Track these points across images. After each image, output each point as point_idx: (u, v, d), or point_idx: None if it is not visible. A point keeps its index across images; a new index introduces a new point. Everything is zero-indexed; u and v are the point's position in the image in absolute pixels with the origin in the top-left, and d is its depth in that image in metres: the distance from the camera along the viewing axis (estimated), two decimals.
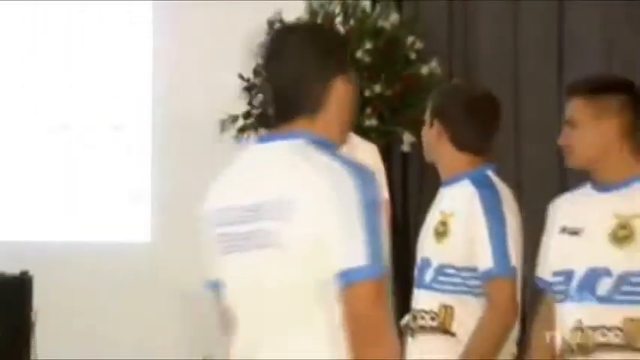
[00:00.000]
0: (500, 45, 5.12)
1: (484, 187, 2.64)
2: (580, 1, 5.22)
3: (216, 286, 1.82)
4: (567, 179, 3.90)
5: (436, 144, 2.69)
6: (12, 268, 4.84)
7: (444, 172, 2.74)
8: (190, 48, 5.59)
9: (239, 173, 1.78)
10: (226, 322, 1.80)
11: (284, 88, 1.69)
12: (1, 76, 6.20)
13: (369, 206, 1.59)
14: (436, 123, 2.66)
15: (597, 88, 2.37)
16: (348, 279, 1.57)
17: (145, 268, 5.54)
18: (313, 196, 1.59)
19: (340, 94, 1.70)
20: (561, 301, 2.41)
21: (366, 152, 3.36)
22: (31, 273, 4.82)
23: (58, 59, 6.10)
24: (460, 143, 2.63)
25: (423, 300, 2.67)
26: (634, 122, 2.34)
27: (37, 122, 6.02)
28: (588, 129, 2.30)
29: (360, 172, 1.61)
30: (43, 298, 4.83)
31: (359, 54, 4.76)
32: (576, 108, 2.32)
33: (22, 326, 4.79)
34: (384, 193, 3.04)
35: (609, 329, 2.32)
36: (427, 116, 2.74)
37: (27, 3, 6.07)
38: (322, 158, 1.63)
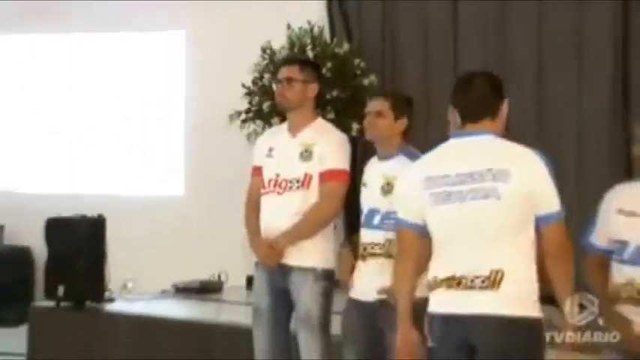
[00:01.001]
0: (416, 64, 6.24)
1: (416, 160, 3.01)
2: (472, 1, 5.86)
3: (417, 227, 2.39)
4: None
5: (394, 132, 3.22)
6: (90, 213, 5.56)
7: (387, 150, 3.23)
8: (210, 63, 6.75)
9: (449, 154, 2.31)
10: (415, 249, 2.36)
11: (475, 103, 2.27)
12: (88, 89, 7.40)
13: (552, 173, 2.17)
14: (402, 118, 3.19)
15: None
16: (551, 219, 2.17)
17: (180, 213, 6.91)
18: (522, 166, 2.16)
19: (504, 109, 2.31)
20: None
21: (335, 134, 3.66)
22: (104, 216, 5.48)
23: (133, 78, 7.29)
24: (406, 132, 3.24)
25: (371, 236, 3.24)
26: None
27: (107, 116, 7.35)
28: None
29: (538, 151, 2.19)
30: (110, 234, 5.54)
31: (323, 71, 4.94)
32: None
33: (100, 254, 5.46)
34: (347, 166, 3.52)
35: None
36: (386, 113, 3.20)
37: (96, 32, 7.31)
38: (513, 144, 2.23)
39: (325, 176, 3.42)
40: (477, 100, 2.31)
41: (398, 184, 2.70)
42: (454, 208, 2.23)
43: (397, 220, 2.47)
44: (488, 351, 2.21)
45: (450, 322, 2.26)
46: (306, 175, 3.43)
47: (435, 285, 2.29)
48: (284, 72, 3.52)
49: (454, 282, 2.23)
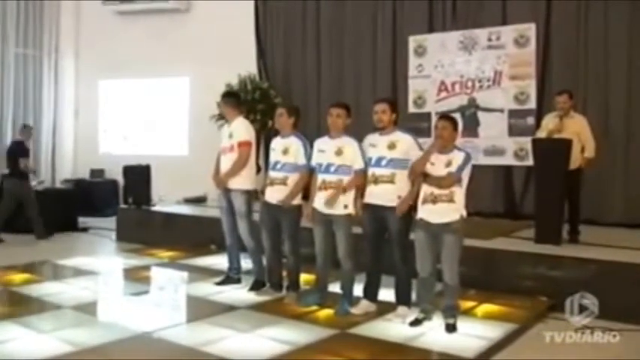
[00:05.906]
0: (306, 92, 8.47)
1: (304, 140, 4.40)
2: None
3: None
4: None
5: (289, 124, 4.46)
6: (144, 163, 7.74)
7: (286, 132, 4.41)
8: (202, 92, 8.81)
9: None
10: None
11: None
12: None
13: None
14: (293, 117, 4.45)
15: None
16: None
17: (185, 163, 9.19)
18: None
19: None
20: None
21: (243, 124, 4.65)
22: (150, 164, 7.67)
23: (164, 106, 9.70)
24: (295, 124, 4.41)
25: (275, 175, 4.36)
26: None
27: (147, 118, 9.94)
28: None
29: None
30: (153, 174, 7.59)
31: (255, 95, 7.91)
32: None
33: (148, 183, 7.62)
34: (250, 139, 4.60)
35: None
36: (285, 114, 4.40)
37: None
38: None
39: (239, 145, 4.69)
40: None
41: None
42: None
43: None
44: None
45: None
46: (232, 145, 4.71)
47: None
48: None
49: None
